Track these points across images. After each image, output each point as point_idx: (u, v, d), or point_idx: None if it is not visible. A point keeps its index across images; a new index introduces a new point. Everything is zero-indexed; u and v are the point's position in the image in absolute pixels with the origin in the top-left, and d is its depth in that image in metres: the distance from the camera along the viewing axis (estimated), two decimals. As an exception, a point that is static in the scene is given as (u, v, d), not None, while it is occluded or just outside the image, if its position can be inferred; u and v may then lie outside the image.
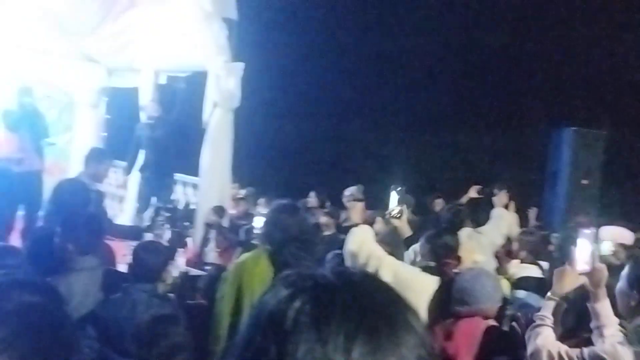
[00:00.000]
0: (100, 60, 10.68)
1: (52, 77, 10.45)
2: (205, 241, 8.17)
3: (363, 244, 4.08)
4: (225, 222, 8.31)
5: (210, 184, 8.72)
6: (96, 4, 9.58)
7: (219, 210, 8.24)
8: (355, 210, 4.64)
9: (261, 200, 9.81)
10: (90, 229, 4.40)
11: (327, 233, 7.16)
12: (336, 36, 16.93)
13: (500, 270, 5.78)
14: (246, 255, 4.23)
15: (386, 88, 16.77)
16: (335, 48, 16.98)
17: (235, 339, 1.00)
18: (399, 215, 4.85)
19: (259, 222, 4.98)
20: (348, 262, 3.84)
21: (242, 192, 9.81)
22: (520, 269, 5.89)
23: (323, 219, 7.43)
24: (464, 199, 7.68)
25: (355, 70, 16.78)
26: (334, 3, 16.61)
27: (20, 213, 8.44)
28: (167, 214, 8.82)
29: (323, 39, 16.80)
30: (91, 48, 10.47)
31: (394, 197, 4.98)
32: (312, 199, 9.24)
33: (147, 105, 9.56)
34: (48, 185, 8.08)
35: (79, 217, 4.48)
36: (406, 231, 4.90)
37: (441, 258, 4.25)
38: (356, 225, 4.33)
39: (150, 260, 4.19)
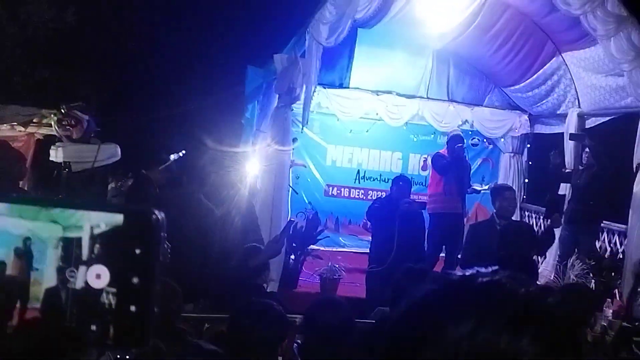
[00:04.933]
0: (524, 107, 10.95)
1: (480, 126, 11.06)
2: (635, 294, 7.60)
3: None
4: (657, 275, 7.62)
5: (641, 233, 8.08)
6: (521, 56, 9.89)
7: (650, 262, 7.59)
8: None
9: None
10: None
11: None
12: None
13: None
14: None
15: None
16: None
17: None
18: None
19: None
20: None
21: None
22: None
23: None
24: None
25: None
26: None
27: (442, 254, 9.03)
28: (592, 263, 8.46)
29: None
30: (516, 97, 10.83)
31: None
32: None
33: (575, 152, 9.39)
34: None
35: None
36: None
37: None
38: None
39: (576, 304, 4.10)
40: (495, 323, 0.83)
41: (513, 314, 0.84)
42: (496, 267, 0.90)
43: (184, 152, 6.98)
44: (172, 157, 6.83)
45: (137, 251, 0.75)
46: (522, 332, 0.83)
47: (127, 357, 1.00)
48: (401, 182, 7.85)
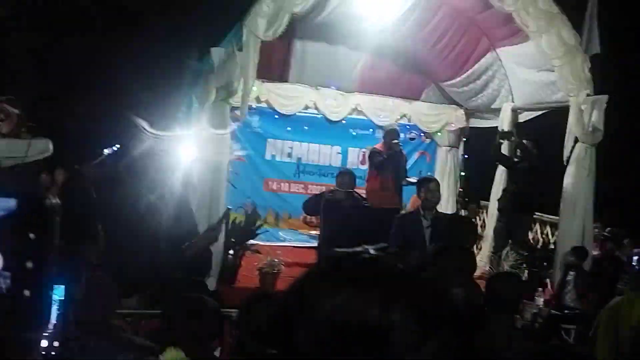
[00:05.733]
0: (460, 102, 11.15)
1: (417, 120, 11.21)
2: (564, 283, 7.85)
3: None
4: (586, 265, 7.90)
5: (570, 223, 8.35)
6: (457, 51, 10.06)
7: (580, 252, 7.86)
8: None
9: (627, 241, 9.09)
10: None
11: None
12: None
13: None
14: (620, 298, 4.00)
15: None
16: None
17: None
18: None
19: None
20: None
21: (606, 232, 9.18)
22: None
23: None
24: None
25: None
26: None
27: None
28: (525, 253, 8.70)
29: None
30: (452, 92, 11.01)
31: None
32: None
33: (509, 148, 9.63)
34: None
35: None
36: None
37: None
38: None
39: (505, 292, 4.20)
40: (366, 297, 0.85)
41: (384, 289, 0.86)
42: (381, 245, 0.95)
43: (118, 146, 6.85)
44: (106, 151, 6.69)
45: (31, 236, 0.73)
46: (392, 306, 0.84)
47: (53, 354, 0.98)
48: (345, 176, 7.88)
